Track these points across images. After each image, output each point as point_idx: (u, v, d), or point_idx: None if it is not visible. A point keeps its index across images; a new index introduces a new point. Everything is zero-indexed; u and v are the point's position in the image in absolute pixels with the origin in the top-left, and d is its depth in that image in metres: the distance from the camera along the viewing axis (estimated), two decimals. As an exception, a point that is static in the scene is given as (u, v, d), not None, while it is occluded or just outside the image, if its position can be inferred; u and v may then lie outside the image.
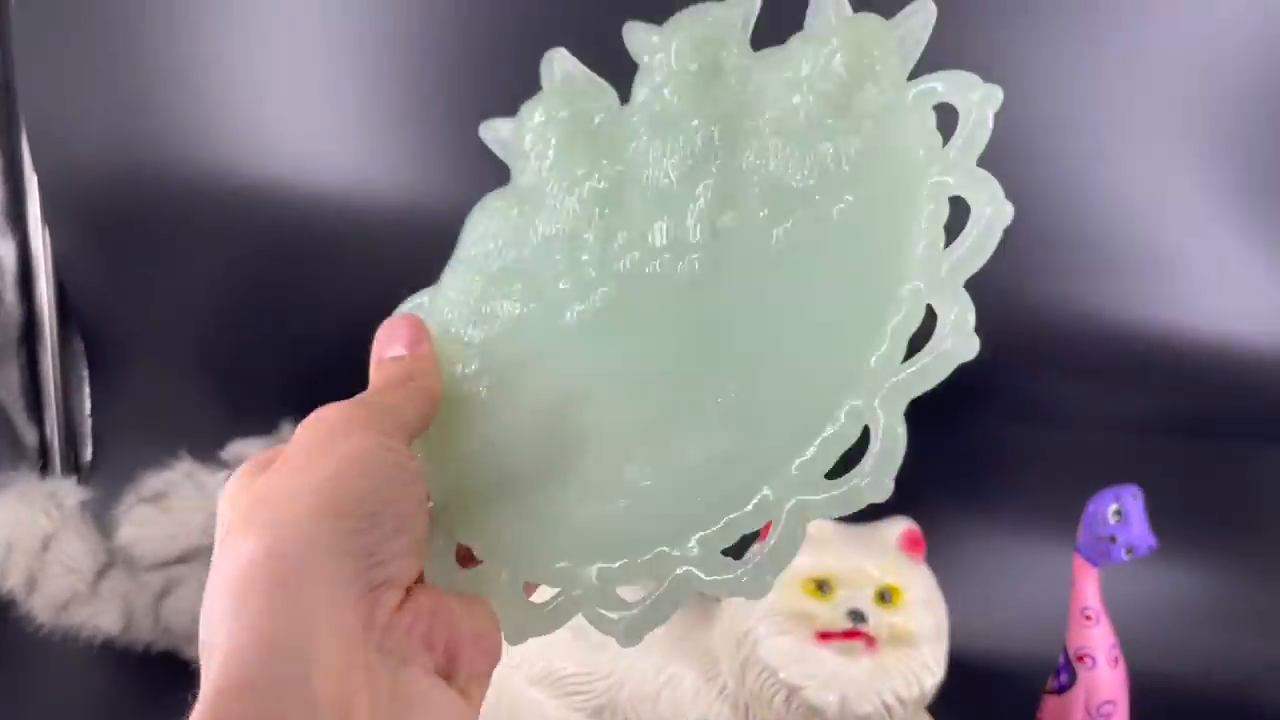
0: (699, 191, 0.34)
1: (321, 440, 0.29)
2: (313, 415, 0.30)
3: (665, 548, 0.33)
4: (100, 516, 0.71)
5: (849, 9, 0.34)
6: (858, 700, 0.56)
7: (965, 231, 0.32)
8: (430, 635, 0.29)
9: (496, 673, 0.32)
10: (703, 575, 0.33)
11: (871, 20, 0.33)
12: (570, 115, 0.35)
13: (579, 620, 0.61)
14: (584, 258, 0.35)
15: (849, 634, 0.57)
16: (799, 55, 0.34)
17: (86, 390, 0.88)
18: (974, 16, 0.70)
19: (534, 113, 0.36)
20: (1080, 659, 0.60)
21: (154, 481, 0.68)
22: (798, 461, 0.32)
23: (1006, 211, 0.31)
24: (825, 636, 0.57)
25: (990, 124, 0.32)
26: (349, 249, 0.75)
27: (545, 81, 0.36)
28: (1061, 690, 0.60)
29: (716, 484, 0.33)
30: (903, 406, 0.32)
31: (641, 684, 0.59)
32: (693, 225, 0.34)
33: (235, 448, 0.72)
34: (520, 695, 0.60)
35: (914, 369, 0.32)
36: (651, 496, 0.34)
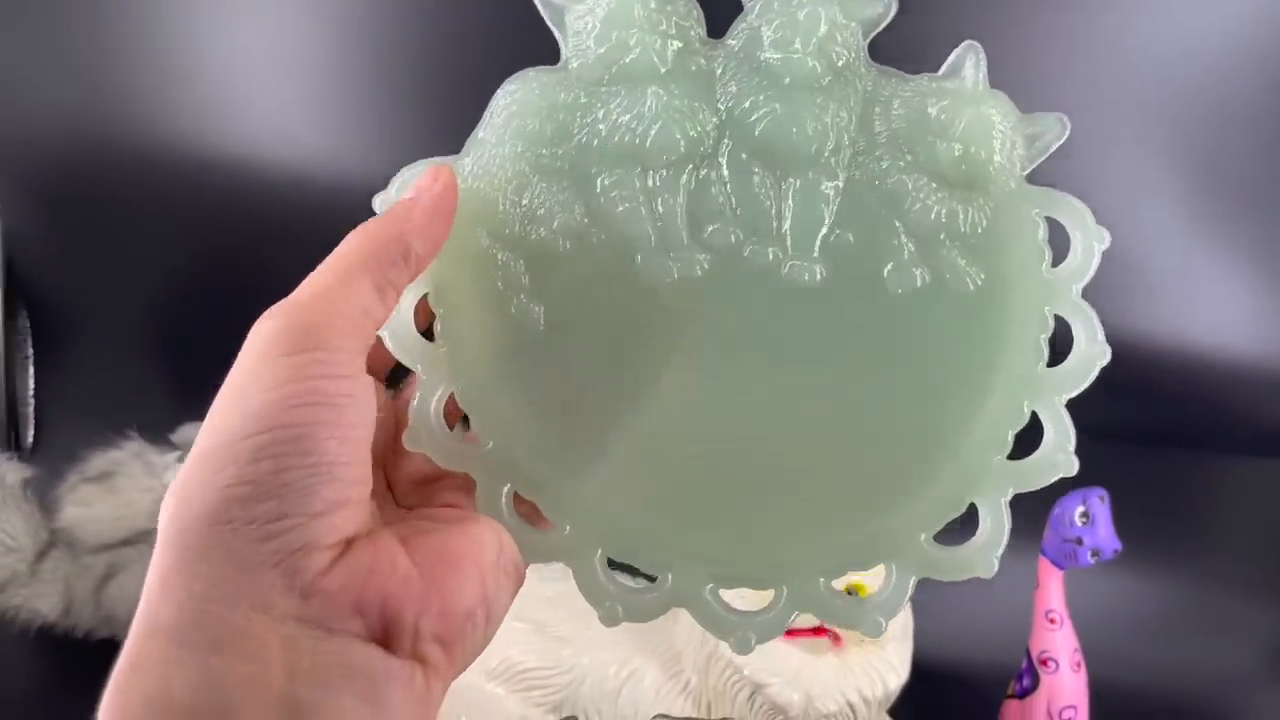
0: (822, 185, 0.33)
1: (239, 379, 0.26)
2: (251, 334, 0.26)
3: (782, 568, 0.32)
4: (43, 495, 0.68)
5: (986, 81, 0.33)
6: (822, 698, 0.55)
7: (1069, 358, 0.33)
8: (361, 599, 0.25)
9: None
10: (822, 599, 0.32)
11: (1008, 104, 0.33)
12: (669, 24, 0.32)
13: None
14: (659, 204, 0.33)
15: (815, 630, 0.56)
16: (931, 96, 0.33)
17: (31, 368, 0.85)
18: (943, 34, 0.70)
19: None
20: (1043, 662, 0.59)
21: (100, 461, 0.65)
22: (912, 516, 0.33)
23: (1105, 351, 0.32)
24: (791, 633, 0.57)
25: (1096, 265, 0.33)
26: (312, 228, 0.72)
27: None
28: (1023, 694, 0.60)
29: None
30: (1006, 497, 0.32)
31: (603, 680, 0.58)
32: (804, 228, 0.33)
33: (187, 431, 0.70)
34: (478, 690, 0.59)
35: (1019, 467, 0.32)
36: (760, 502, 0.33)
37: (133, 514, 0.63)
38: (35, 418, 0.85)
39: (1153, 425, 0.73)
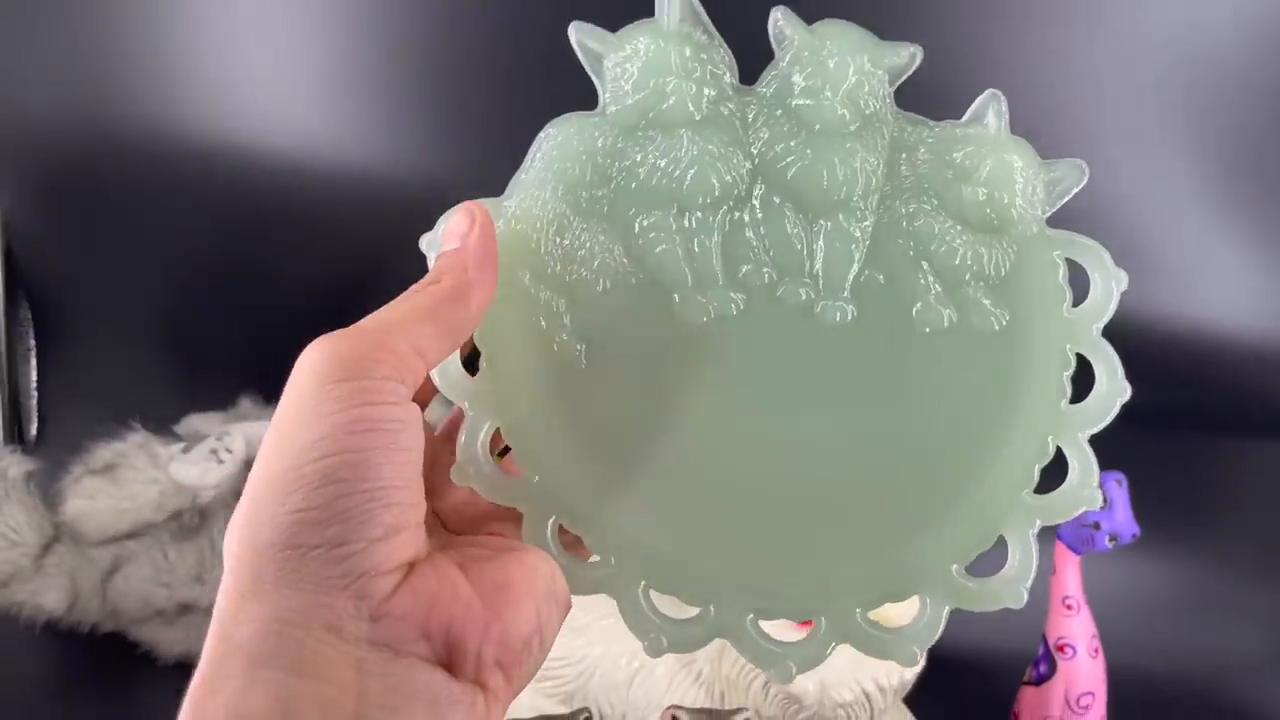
0: (851, 228, 0.33)
1: (294, 407, 0.26)
2: (301, 359, 0.27)
3: (821, 599, 0.33)
4: (47, 488, 0.67)
5: (1008, 128, 0.34)
6: (837, 687, 0.55)
7: (1091, 395, 0.34)
8: (427, 623, 0.26)
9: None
10: (860, 630, 0.33)
11: (1029, 151, 0.34)
12: (704, 72, 0.33)
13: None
14: (695, 245, 0.33)
15: (830, 619, 0.56)
16: (956, 142, 0.34)
17: (33, 360, 0.84)
18: (957, 10, 0.69)
19: (663, 47, 0.33)
20: (1060, 649, 0.59)
21: (104, 452, 0.65)
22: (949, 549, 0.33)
23: (1125, 388, 0.33)
24: (805, 622, 0.56)
25: (1115, 306, 0.34)
26: (316, 216, 0.73)
27: (664, 15, 0.33)
28: (1040, 681, 0.60)
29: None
30: (1033, 531, 0.33)
31: (614, 670, 0.58)
32: (836, 269, 0.33)
33: (191, 422, 0.69)
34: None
35: (1046, 501, 0.33)
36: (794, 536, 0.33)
37: (137, 506, 0.62)
38: (38, 410, 0.84)
39: (1170, 408, 0.72)
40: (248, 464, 0.62)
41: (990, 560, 0.33)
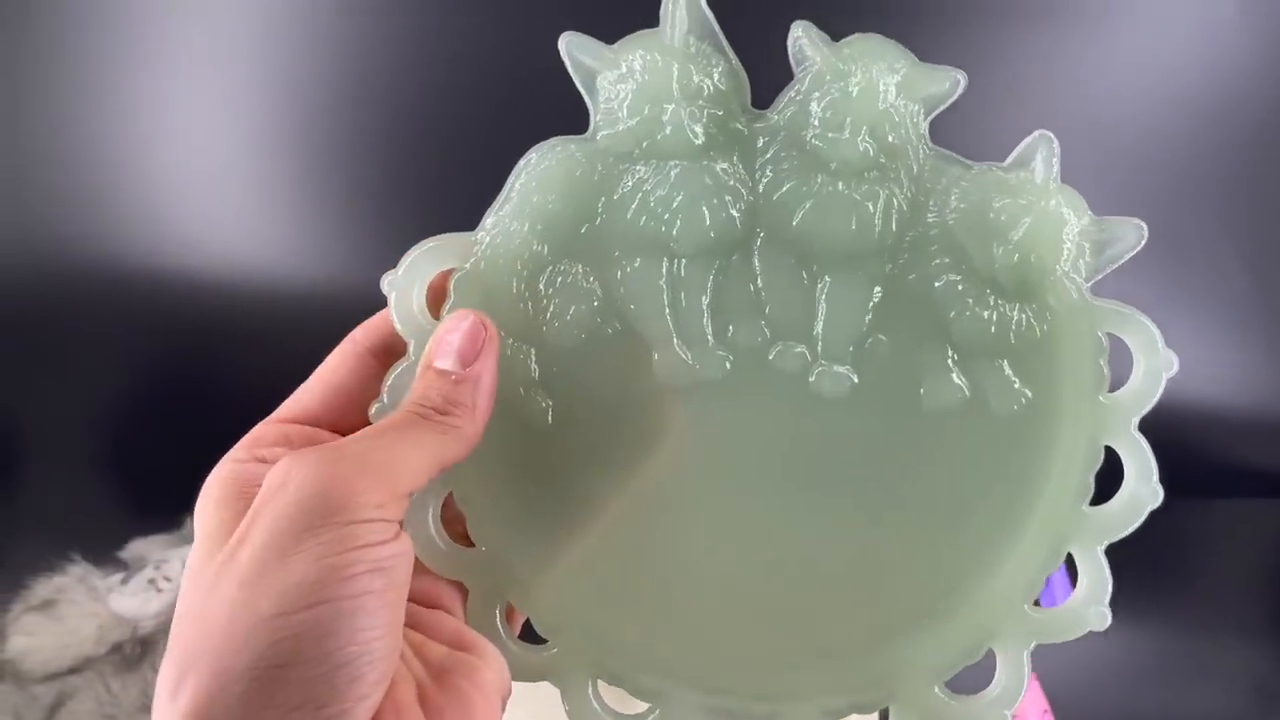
0: (862, 286, 0.30)
1: (279, 538, 0.23)
2: (284, 480, 0.24)
3: (782, 702, 0.30)
4: (-14, 627, 0.66)
5: (1058, 178, 0.29)
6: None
7: (1116, 498, 0.30)
8: None
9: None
10: None
11: (1079, 204, 0.29)
12: (708, 92, 0.29)
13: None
14: (683, 298, 0.30)
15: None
16: (994, 191, 0.29)
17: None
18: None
19: (661, 66, 0.28)
20: (1012, 726, 0.59)
21: (43, 588, 0.64)
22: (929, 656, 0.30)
23: (1157, 494, 0.30)
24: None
25: (1159, 395, 0.29)
26: (256, 334, 0.73)
27: (669, 27, 0.28)
28: (995, 760, 0.59)
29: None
30: (1028, 649, 0.30)
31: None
32: (839, 331, 0.30)
33: (136, 547, 0.69)
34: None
35: (1047, 617, 0.30)
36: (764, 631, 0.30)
37: (78, 641, 0.62)
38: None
39: (1112, 471, 0.72)
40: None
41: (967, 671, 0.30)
